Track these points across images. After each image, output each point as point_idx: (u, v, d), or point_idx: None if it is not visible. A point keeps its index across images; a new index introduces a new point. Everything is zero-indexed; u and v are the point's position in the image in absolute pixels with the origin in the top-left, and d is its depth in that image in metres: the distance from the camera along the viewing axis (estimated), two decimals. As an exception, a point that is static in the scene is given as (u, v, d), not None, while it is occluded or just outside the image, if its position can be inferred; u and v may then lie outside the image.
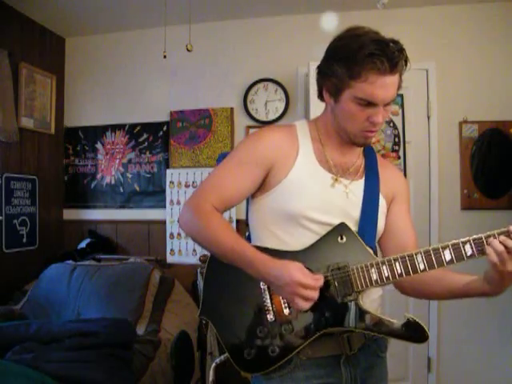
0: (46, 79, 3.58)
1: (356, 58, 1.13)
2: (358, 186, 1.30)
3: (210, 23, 3.50)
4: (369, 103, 1.16)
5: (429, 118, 3.23)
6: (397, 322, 1.17)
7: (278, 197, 1.24)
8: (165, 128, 3.62)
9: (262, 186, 1.28)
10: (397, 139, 3.13)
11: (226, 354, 1.26)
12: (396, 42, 1.16)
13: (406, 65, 1.19)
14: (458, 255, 1.11)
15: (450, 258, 1.12)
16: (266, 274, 1.12)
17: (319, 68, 1.26)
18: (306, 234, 1.23)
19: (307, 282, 1.08)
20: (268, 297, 1.21)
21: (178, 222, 1.27)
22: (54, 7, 3.28)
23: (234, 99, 3.48)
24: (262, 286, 1.21)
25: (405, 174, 3.13)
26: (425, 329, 1.15)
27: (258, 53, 3.43)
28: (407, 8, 3.26)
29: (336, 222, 1.22)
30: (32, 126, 3.44)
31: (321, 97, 1.30)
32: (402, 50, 1.16)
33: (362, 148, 1.37)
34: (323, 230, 1.22)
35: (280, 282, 1.10)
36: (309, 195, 1.23)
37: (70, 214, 3.80)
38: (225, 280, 1.27)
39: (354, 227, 1.24)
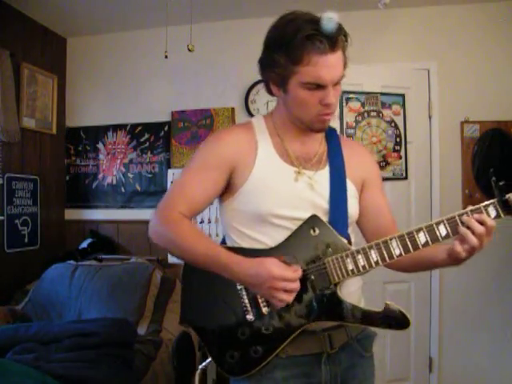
0: (47, 79, 3.59)
1: (294, 42, 1.11)
2: (323, 176, 1.27)
3: (211, 23, 3.50)
4: (317, 86, 1.14)
5: (430, 117, 3.23)
6: (377, 310, 1.15)
7: (244, 199, 1.23)
8: (166, 128, 3.62)
9: (228, 189, 1.26)
10: (398, 139, 3.13)
11: (210, 359, 1.25)
12: (331, 18, 1.13)
13: (346, 40, 1.16)
14: (433, 237, 1.12)
15: (424, 240, 1.12)
16: (243, 275, 1.11)
17: (260, 61, 1.25)
18: (278, 231, 1.21)
19: (286, 274, 1.07)
20: (246, 297, 1.19)
21: (149, 234, 1.23)
22: (56, 7, 3.29)
23: (236, 99, 3.48)
24: (238, 287, 1.20)
25: (406, 174, 3.13)
26: (405, 314, 1.13)
27: (260, 53, 3.42)
28: (408, 8, 3.26)
29: (305, 215, 1.20)
30: (33, 126, 3.45)
31: (269, 91, 1.28)
32: (338, 25, 1.13)
33: (324, 133, 1.34)
34: (295, 225, 1.20)
35: (258, 280, 1.09)
36: (274, 193, 1.21)
37: (71, 214, 3.80)
38: (202, 285, 1.25)
39: (324, 218, 1.22)
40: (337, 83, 1.17)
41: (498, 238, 3.37)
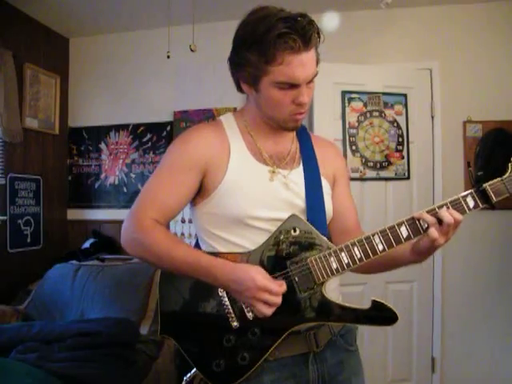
0: (50, 79, 3.60)
1: (267, 41, 1.07)
2: (297, 174, 1.26)
3: (213, 23, 3.49)
4: (290, 85, 1.12)
5: (433, 117, 3.22)
6: (363, 307, 1.13)
7: (219, 202, 1.19)
8: (168, 128, 3.62)
9: (201, 191, 1.22)
10: (400, 139, 3.13)
11: (195, 369, 1.20)
12: (304, 16, 1.09)
13: (319, 37, 1.12)
14: (415, 230, 1.11)
15: (406, 233, 1.11)
16: (225, 280, 1.08)
17: (230, 60, 1.21)
18: (256, 232, 1.18)
19: (271, 286, 1.04)
20: (228, 303, 1.15)
21: (122, 243, 1.17)
22: (58, 8, 3.30)
23: (238, 99, 3.40)
24: (220, 293, 1.16)
25: (408, 174, 3.13)
26: (393, 310, 1.11)
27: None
28: (410, 8, 3.25)
29: (283, 215, 1.17)
30: (36, 127, 3.46)
31: (240, 89, 1.24)
32: (311, 23, 1.09)
33: (295, 132, 1.32)
34: (272, 226, 1.17)
35: (240, 287, 1.05)
36: (249, 194, 1.18)
37: (73, 214, 3.81)
38: (181, 293, 1.20)
39: (302, 217, 1.19)
40: (310, 81, 1.15)
41: (502, 239, 3.36)
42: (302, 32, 1.07)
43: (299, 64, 1.09)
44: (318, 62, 1.16)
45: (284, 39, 1.06)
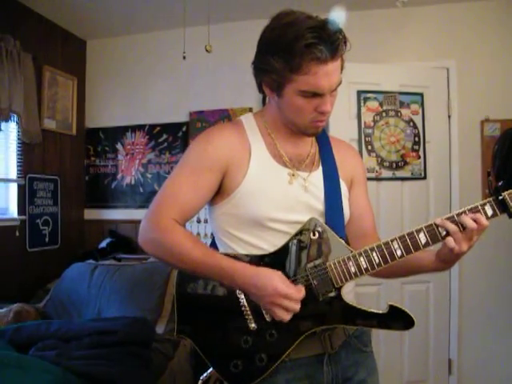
0: (67, 81, 3.65)
1: (293, 50, 1.05)
2: (316, 177, 1.26)
3: (228, 24, 3.51)
4: (314, 94, 1.11)
5: (449, 117, 3.19)
6: (381, 311, 1.14)
7: (239, 202, 1.18)
8: (184, 128, 3.64)
9: (221, 191, 1.21)
10: (417, 139, 3.10)
11: (212, 369, 1.20)
12: (332, 24, 1.07)
13: (345, 46, 1.11)
14: (433, 237, 1.11)
15: (425, 240, 1.12)
16: (246, 284, 1.08)
17: (254, 64, 1.19)
18: (275, 234, 1.18)
19: (290, 292, 1.05)
20: (247, 305, 1.15)
21: (139, 242, 1.16)
22: (76, 11, 3.34)
23: (253, 99, 3.47)
24: (238, 295, 1.15)
25: (425, 174, 3.10)
26: (409, 314, 1.11)
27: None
28: (427, 6, 3.23)
29: (301, 217, 1.18)
30: (54, 128, 3.51)
31: (261, 91, 1.23)
32: (339, 32, 1.08)
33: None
34: (291, 229, 1.18)
35: (260, 292, 1.06)
36: (269, 196, 1.18)
37: (90, 214, 3.86)
38: (198, 293, 1.20)
39: (321, 220, 1.19)
40: (334, 90, 1.14)
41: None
42: (330, 42, 1.06)
43: (325, 74, 1.08)
44: (342, 69, 1.15)
45: (311, 49, 1.05)
